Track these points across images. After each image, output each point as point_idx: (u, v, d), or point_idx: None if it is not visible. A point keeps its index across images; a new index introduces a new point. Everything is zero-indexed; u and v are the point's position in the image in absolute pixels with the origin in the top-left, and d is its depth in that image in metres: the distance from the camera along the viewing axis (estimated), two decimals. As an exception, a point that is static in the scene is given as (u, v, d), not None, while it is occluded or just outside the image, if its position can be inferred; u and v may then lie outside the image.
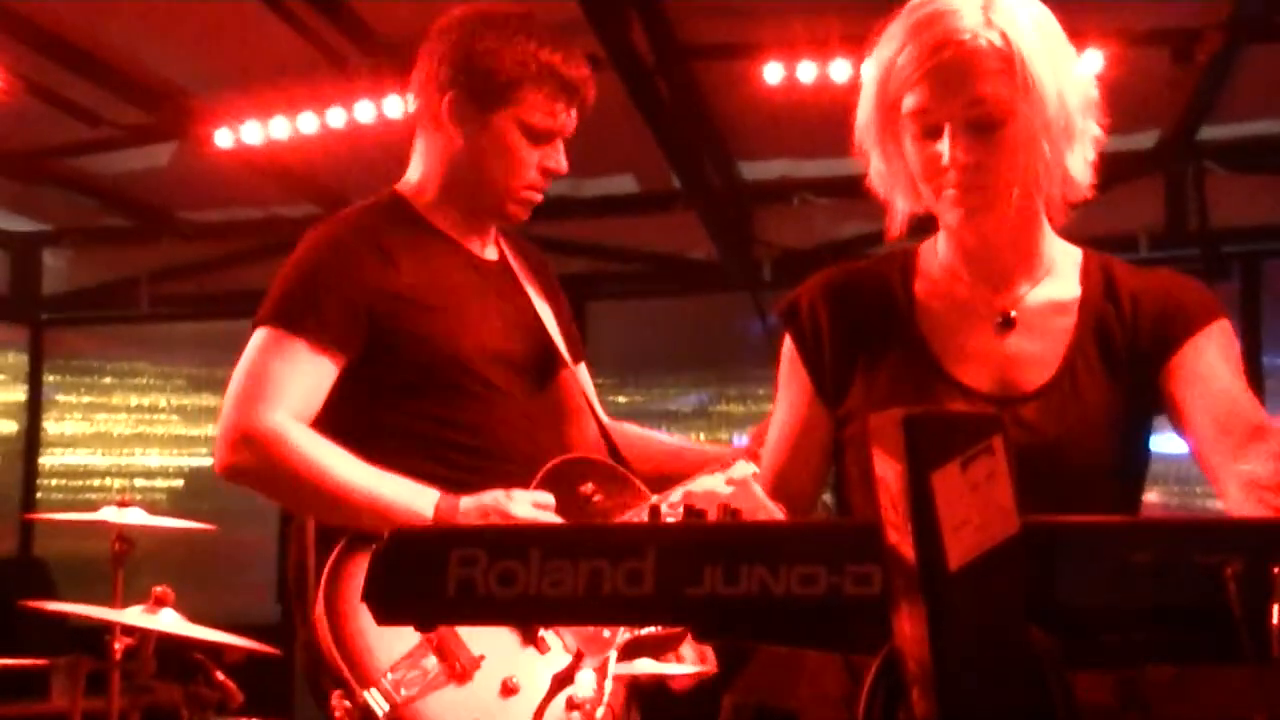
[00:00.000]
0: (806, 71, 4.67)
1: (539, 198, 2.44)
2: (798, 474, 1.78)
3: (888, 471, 0.90)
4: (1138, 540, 0.96)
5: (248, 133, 5.23)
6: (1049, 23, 1.66)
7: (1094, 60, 4.18)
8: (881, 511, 0.91)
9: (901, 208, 1.72)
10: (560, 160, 2.43)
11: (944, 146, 1.61)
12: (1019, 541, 0.91)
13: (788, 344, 1.81)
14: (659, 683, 3.65)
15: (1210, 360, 1.67)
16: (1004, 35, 1.59)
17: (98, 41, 4.72)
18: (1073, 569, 0.95)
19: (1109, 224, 5.81)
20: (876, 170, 1.72)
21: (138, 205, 6.54)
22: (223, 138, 5.27)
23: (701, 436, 6.95)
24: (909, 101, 1.63)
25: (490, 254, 2.51)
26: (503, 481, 2.23)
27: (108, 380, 7.41)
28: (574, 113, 2.44)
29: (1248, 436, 1.55)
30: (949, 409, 1.58)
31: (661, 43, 4.72)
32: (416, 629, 1.06)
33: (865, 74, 1.72)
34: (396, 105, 4.96)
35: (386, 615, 1.00)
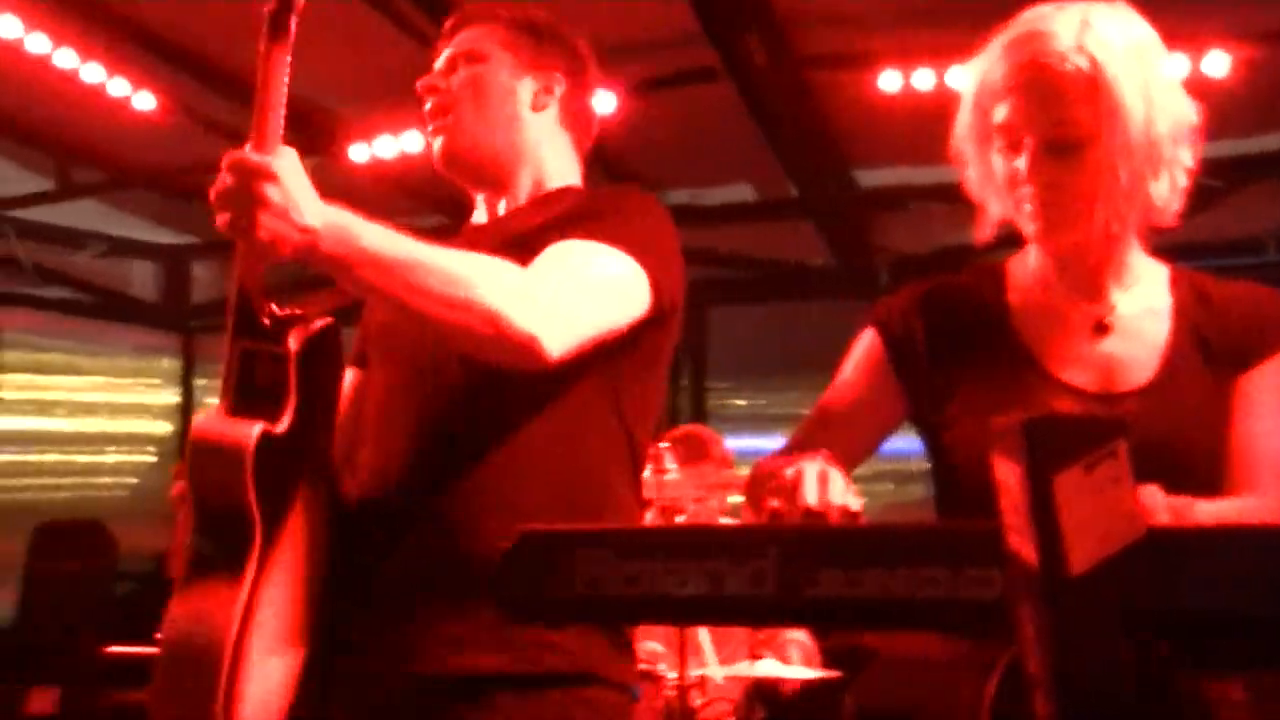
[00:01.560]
0: (923, 79, 4.64)
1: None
2: (846, 440, 1.79)
3: (1008, 475, 0.91)
4: (1263, 545, 0.96)
5: (381, 147, 5.34)
6: (1149, 48, 1.67)
7: (1220, 63, 4.09)
8: (1002, 514, 0.92)
9: (994, 214, 1.74)
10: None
11: (1024, 163, 1.64)
12: (1144, 546, 0.91)
13: (871, 341, 1.83)
14: (776, 684, 3.65)
15: (1267, 391, 1.69)
16: (1093, 61, 1.60)
17: (241, 63, 4.87)
18: (1198, 574, 0.95)
19: (1236, 227, 5.70)
20: (971, 176, 1.74)
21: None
22: (358, 152, 5.39)
23: (819, 441, 6.93)
24: (997, 114, 1.67)
25: None
26: None
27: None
28: None
29: (1247, 486, 1.62)
30: (1067, 412, 1.57)
31: (777, 53, 4.73)
32: (545, 627, 1.09)
33: (963, 82, 1.76)
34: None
35: (516, 613, 1.03)
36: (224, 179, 1.62)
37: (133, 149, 5.74)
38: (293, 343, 1.74)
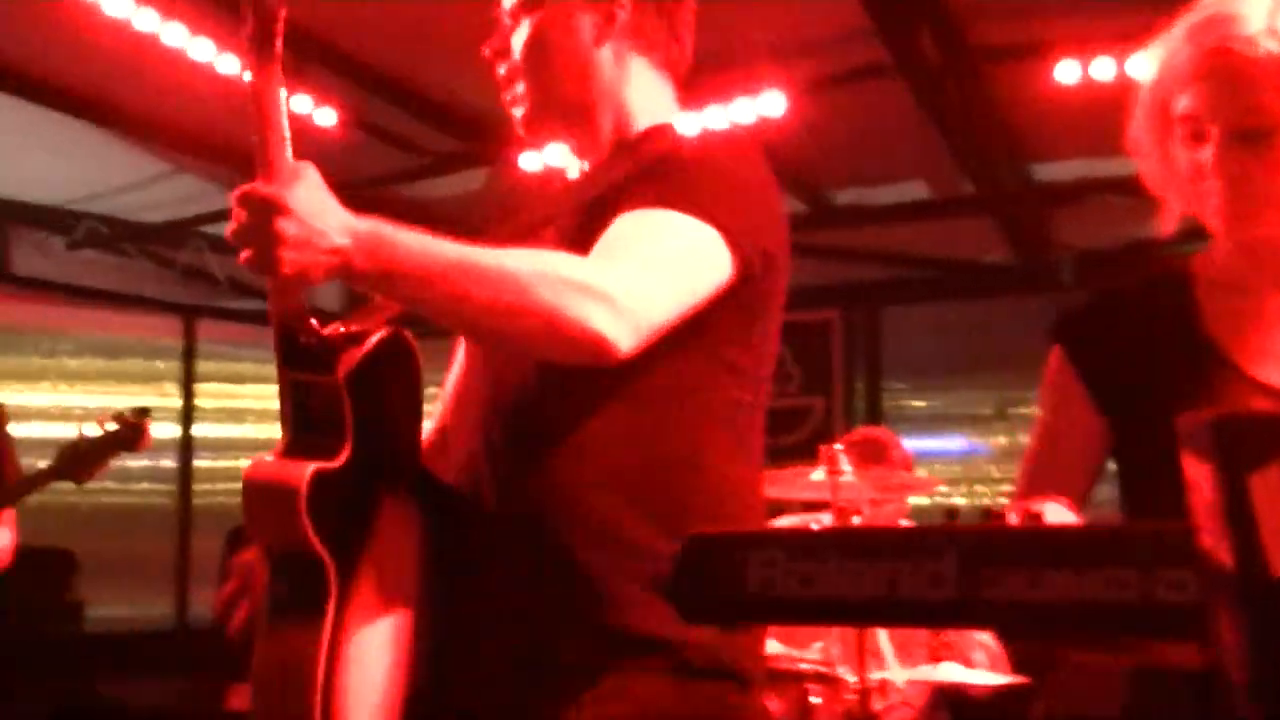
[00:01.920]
0: (1102, 68, 4.52)
1: None
2: (1068, 483, 1.74)
3: (1199, 475, 0.87)
4: None
5: (551, 156, 5.40)
6: None
7: None
8: (1195, 516, 0.89)
9: (1174, 208, 1.68)
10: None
11: (1209, 154, 1.57)
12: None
13: (1059, 365, 1.78)
14: (963, 690, 3.59)
15: None
16: None
17: (416, 77, 5.00)
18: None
19: None
20: (1149, 169, 1.68)
21: (455, 228, 6.84)
22: (529, 161, 5.47)
23: (1001, 440, 6.82)
24: (1180, 104, 1.59)
25: None
26: None
27: (431, 390, 7.77)
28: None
29: None
30: (1261, 409, 1.51)
31: (950, 46, 4.65)
32: (719, 629, 1.09)
33: (1142, 71, 1.69)
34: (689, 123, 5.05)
35: (689, 614, 1.03)
36: (237, 215, 1.54)
37: (315, 164, 5.90)
38: (342, 369, 1.64)
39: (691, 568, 1.03)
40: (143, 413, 3.71)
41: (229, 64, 4.46)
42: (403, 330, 1.73)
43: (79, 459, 3.63)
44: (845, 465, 3.57)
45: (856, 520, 3.60)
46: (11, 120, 5.19)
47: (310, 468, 1.61)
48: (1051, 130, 5.39)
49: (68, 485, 3.66)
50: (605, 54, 1.89)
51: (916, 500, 4.50)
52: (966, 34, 4.68)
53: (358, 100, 5.09)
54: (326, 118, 5.06)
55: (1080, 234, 6.28)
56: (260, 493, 1.65)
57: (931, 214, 6.55)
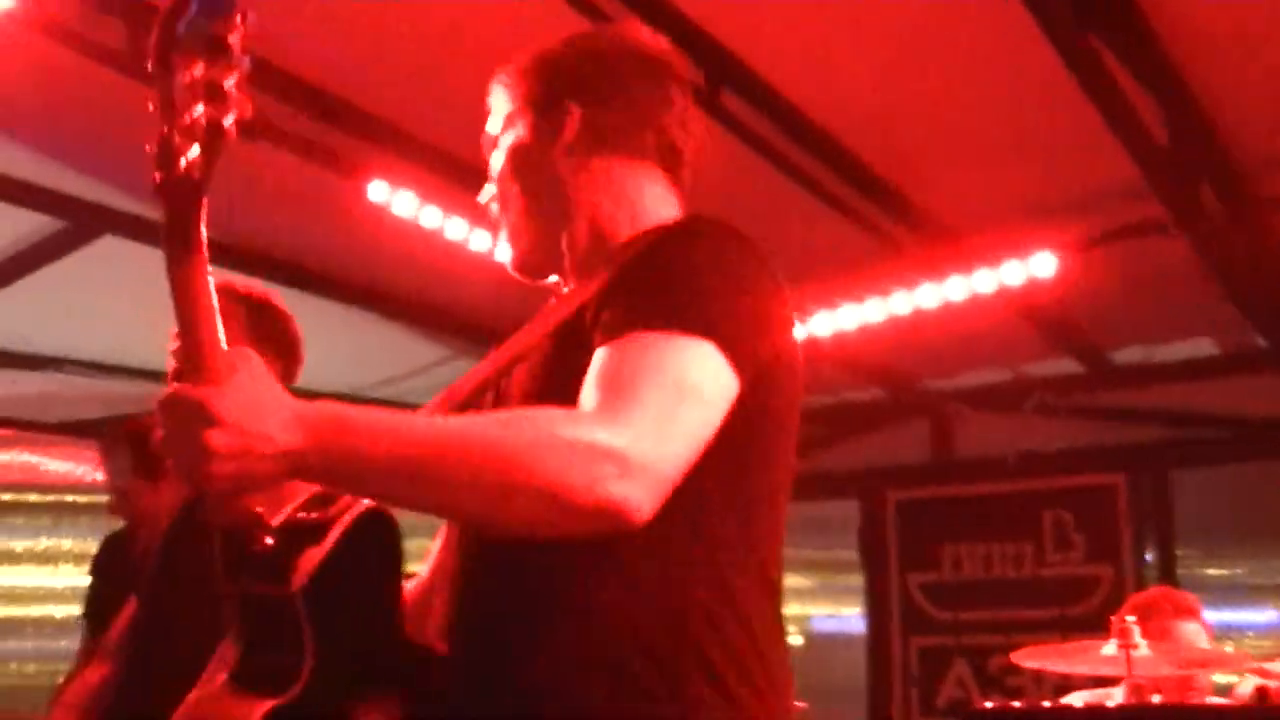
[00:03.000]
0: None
1: None
2: None
3: None
4: None
5: (816, 324, 5.39)
6: None
7: None
8: None
9: None
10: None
11: None
12: None
13: None
14: None
15: None
16: None
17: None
18: None
19: None
20: None
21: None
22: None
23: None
24: None
25: None
26: None
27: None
28: None
29: None
30: None
31: (1233, 198, 4.46)
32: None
33: None
34: (957, 287, 4.99)
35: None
36: (163, 423, 1.31)
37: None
38: (297, 578, 1.42)
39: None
40: None
41: (430, 217, 4.48)
42: (376, 508, 1.51)
43: None
44: (1139, 639, 3.35)
45: (1156, 699, 3.36)
46: (308, 316, 5.48)
47: (260, 710, 1.39)
48: (1348, 278, 5.09)
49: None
50: (567, 165, 1.71)
51: (1225, 679, 4.18)
52: (1250, 184, 4.48)
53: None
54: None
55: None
56: None
57: (1219, 370, 6.24)
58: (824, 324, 5.38)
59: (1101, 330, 5.86)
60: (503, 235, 1.79)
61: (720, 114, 3.80)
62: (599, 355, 1.45)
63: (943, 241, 4.88)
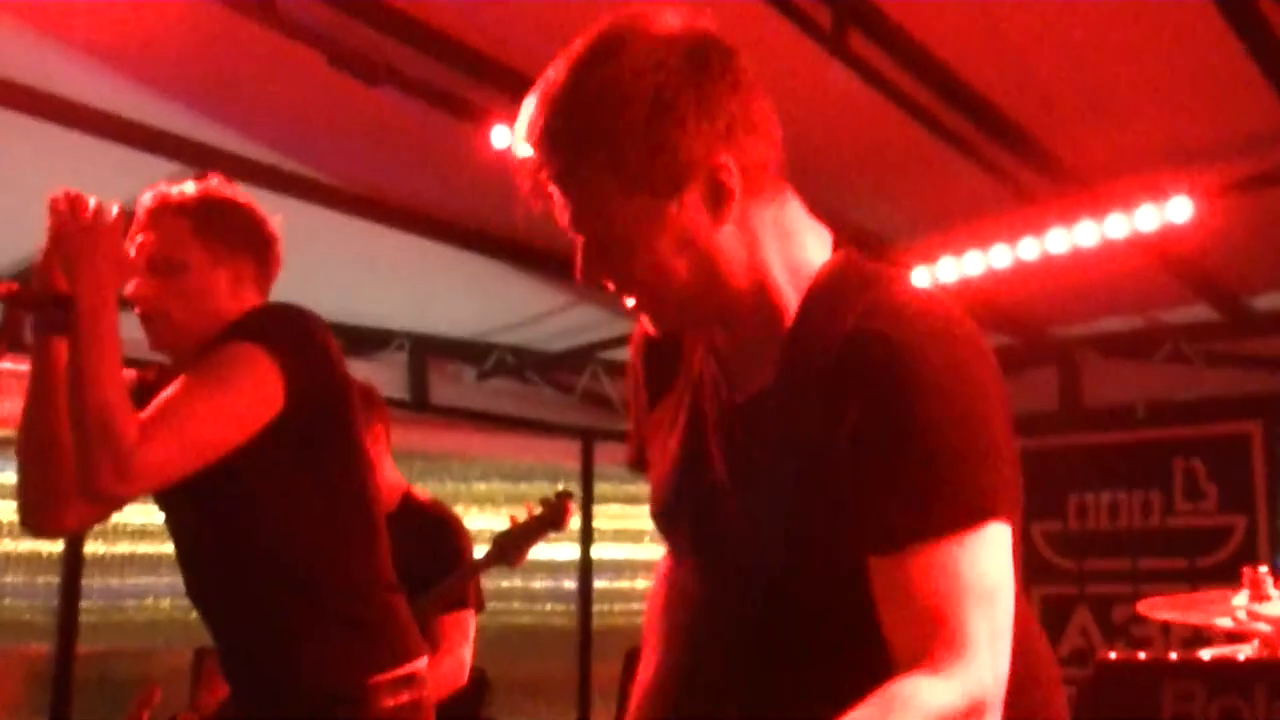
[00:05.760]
0: None
1: None
2: None
3: None
4: None
5: (941, 272, 5.33)
6: None
7: None
8: None
9: None
10: None
11: None
12: None
13: None
14: None
15: None
16: None
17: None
18: None
19: None
20: None
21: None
22: (917, 280, 5.40)
23: None
24: None
25: None
26: None
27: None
28: None
29: None
30: None
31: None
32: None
33: None
34: (1089, 233, 4.91)
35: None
36: None
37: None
38: None
39: (1102, 694, 0.95)
40: (565, 495, 3.94)
41: None
42: None
43: (513, 543, 3.86)
44: (1272, 590, 3.28)
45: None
46: (429, 261, 5.56)
47: None
48: None
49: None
50: (728, 232, 1.49)
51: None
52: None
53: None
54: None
55: None
56: None
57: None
58: (950, 270, 5.32)
59: (1238, 276, 5.71)
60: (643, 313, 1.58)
61: (848, 57, 3.75)
62: (887, 574, 1.40)
63: (1075, 187, 4.78)
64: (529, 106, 1.48)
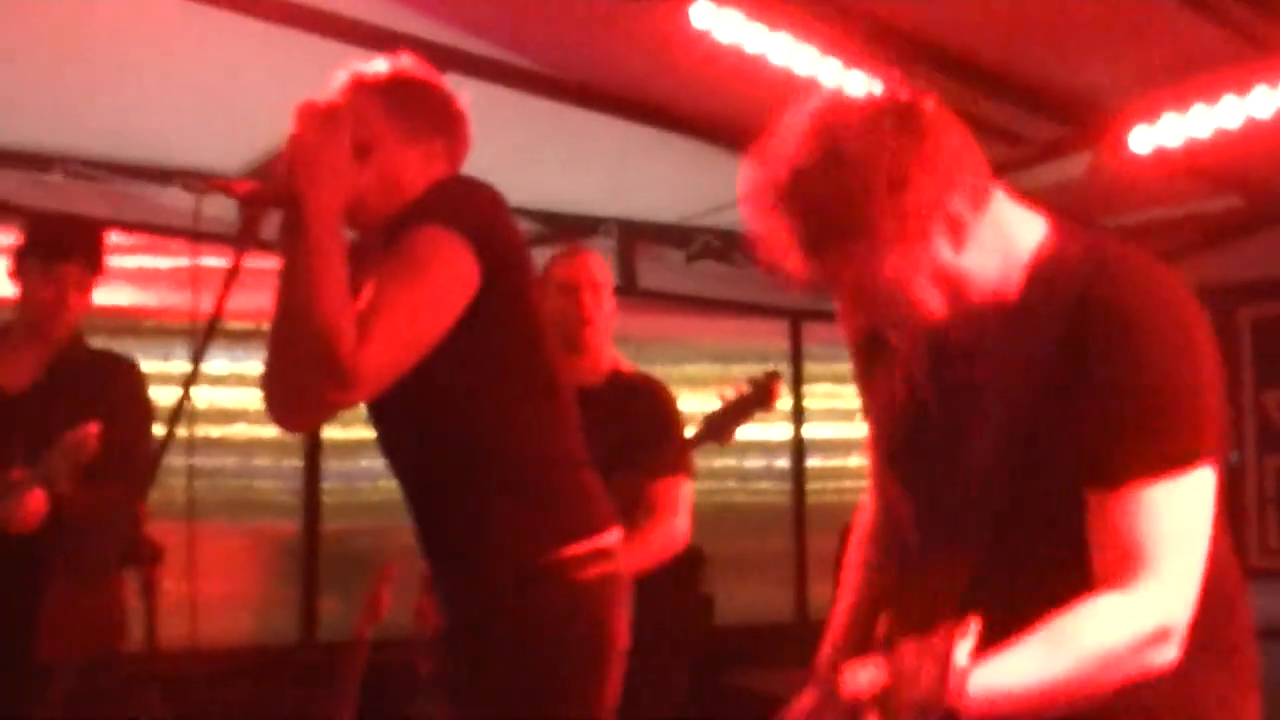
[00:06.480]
0: None
1: None
2: None
3: None
4: None
5: (1164, 132, 5.08)
6: None
7: None
8: None
9: None
10: None
11: None
12: None
13: None
14: None
15: None
16: None
17: (1012, 64, 4.85)
18: None
19: None
20: None
21: (1061, 214, 6.59)
22: (1139, 141, 5.16)
23: None
24: None
25: None
26: None
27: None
28: None
29: None
30: None
31: None
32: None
33: None
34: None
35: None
36: None
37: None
38: None
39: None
40: (773, 375, 3.99)
41: (854, 81, 4.45)
42: None
43: (722, 421, 3.90)
44: None
45: None
46: (634, 146, 5.55)
47: None
48: None
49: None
50: (969, 251, 1.79)
51: None
52: None
53: (960, 94, 5.00)
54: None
55: None
56: None
57: None
58: (1174, 129, 5.07)
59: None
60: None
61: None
62: (1100, 508, 1.65)
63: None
64: (763, 191, 1.87)
